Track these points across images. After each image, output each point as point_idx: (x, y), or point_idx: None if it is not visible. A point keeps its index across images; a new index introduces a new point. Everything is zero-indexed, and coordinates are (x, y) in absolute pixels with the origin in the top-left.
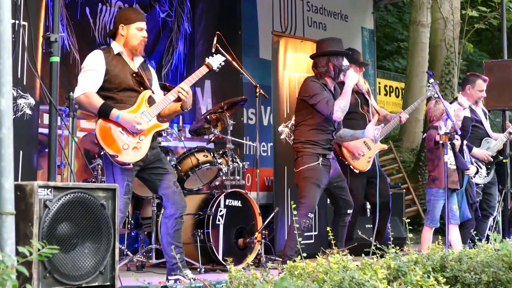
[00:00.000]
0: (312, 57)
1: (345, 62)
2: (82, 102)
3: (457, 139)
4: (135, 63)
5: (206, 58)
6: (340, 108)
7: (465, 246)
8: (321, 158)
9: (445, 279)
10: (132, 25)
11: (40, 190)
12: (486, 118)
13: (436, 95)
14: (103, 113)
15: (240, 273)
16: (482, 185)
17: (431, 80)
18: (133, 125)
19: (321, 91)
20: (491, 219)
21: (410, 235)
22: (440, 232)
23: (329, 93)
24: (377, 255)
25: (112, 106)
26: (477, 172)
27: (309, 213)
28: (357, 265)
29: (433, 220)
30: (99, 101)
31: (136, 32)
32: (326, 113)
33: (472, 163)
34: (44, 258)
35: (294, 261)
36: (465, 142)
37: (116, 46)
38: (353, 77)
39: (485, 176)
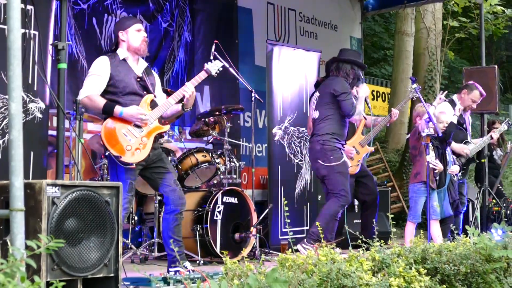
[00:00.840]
0: (334, 60)
1: (362, 75)
2: (86, 104)
3: (436, 165)
4: (140, 68)
5: (205, 64)
6: (359, 112)
7: (445, 240)
8: (344, 153)
9: (426, 271)
10: (129, 28)
11: (48, 188)
12: (469, 124)
13: (416, 96)
14: (107, 111)
15: (235, 265)
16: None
17: (414, 85)
18: (137, 117)
19: (350, 92)
20: (462, 214)
21: (394, 229)
22: (423, 227)
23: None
24: (363, 248)
25: (114, 104)
26: (460, 171)
27: (346, 205)
28: (344, 258)
29: (416, 215)
30: (102, 101)
31: (135, 34)
32: (348, 112)
33: (454, 163)
34: (52, 251)
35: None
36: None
37: (122, 52)
38: (365, 90)
39: (460, 176)
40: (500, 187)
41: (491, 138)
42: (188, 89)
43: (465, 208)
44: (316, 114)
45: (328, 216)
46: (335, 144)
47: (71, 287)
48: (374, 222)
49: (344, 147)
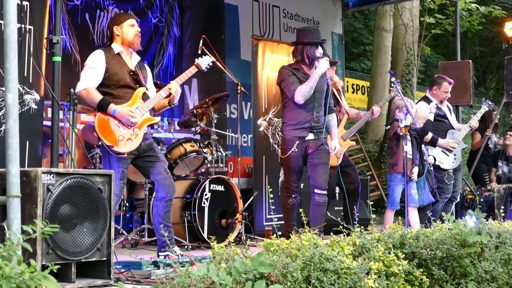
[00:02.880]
0: (291, 44)
1: (319, 51)
2: (83, 96)
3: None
4: (133, 62)
5: (196, 59)
6: (301, 92)
7: (422, 226)
8: (297, 142)
9: (404, 255)
10: (124, 23)
11: (43, 176)
12: (451, 113)
13: (399, 94)
14: (102, 107)
15: (222, 250)
16: (452, 171)
17: (393, 79)
18: (128, 118)
19: (288, 77)
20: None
21: (373, 216)
22: (401, 214)
23: (302, 77)
24: (344, 233)
25: (109, 101)
26: (435, 161)
27: (293, 194)
28: (326, 243)
29: (394, 203)
30: (98, 96)
31: (129, 28)
32: (289, 96)
33: (429, 154)
34: (47, 236)
35: (297, 231)
36: (430, 135)
37: (116, 47)
38: (323, 66)
39: (453, 162)
40: (486, 175)
41: (470, 126)
42: (173, 86)
43: (458, 197)
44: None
45: (283, 210)
46: (287, 133)
47: (65, 270)
48: (355, 209)
49: (310, 133)
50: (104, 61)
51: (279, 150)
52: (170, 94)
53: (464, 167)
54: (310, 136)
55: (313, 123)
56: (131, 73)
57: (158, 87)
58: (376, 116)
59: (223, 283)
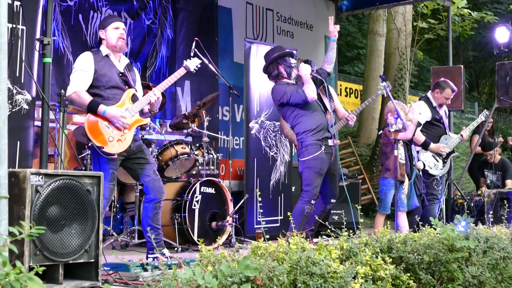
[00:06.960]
0: (264, 70)
1: (292, 61)
2: (74, 99)
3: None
4: (122, 64)
5: (184, 61)
6: (310, 90)
7: (410, 230)
8: (323, 146)
9: (391, 259)
10: (108, 27)
11: (32, 177)
12: (446, 117)
13: (385, 93)
14: (92, 109)
15: (209, 253)
16: (439, 176)
17: (383, 83)
18: (119, 119)
19: (287, 87)
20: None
21: (362, 220)
22: (391, 217)
23: (295, 85)
24: (332, 237)
25: (99, 103)
26: (424, 167)
27: (312, 200)
28: (313, 247)
29: (385, 207)
30: (88, 98)
31: (113, 32)
32: (302, 100)
33: (419, 159)
34: (34, 237)
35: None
36: (423, 138)
37: (104, 49)
38: (305, 68)
39: (441, 169)
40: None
41: (462, 136)
42: (154, 94)
43: (441, 199)
44: (289, 123)
45: (296, 214)
46: (312, 138)
47: (52, 272)
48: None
49: (329, 132)
50: (92, 62)
51: (298, 156)
52: (150, 101)
53: (457, 171)
54: (331, 142)
55: (330, 124)
56: (120, 74)
57: (151, 89)
58: (351, 125)
59: (209, 286)
